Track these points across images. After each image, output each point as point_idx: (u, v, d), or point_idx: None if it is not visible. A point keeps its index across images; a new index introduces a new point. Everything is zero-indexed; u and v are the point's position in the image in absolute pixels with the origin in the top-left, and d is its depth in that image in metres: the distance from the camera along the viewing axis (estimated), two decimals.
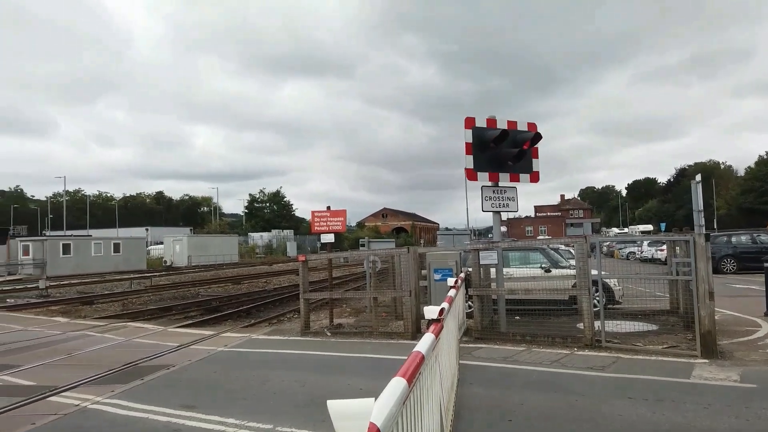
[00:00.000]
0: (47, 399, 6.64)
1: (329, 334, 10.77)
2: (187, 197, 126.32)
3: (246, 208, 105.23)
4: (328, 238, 13.71)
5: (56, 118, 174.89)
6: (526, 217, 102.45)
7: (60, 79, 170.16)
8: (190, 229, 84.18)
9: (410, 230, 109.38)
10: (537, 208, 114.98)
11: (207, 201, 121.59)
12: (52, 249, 39.99)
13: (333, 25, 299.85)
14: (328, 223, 13.53)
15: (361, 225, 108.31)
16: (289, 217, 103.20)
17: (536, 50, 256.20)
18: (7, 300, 20.55)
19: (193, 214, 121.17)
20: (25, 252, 39.85)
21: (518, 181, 10.74)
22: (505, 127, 10.44)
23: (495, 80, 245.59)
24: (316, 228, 13.59)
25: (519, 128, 10.75)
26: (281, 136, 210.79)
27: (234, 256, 59.97)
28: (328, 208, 13.85)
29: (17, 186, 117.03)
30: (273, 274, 34.52)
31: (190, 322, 13.95)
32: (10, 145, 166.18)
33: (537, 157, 10.98)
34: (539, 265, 12.28)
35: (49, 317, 15.27)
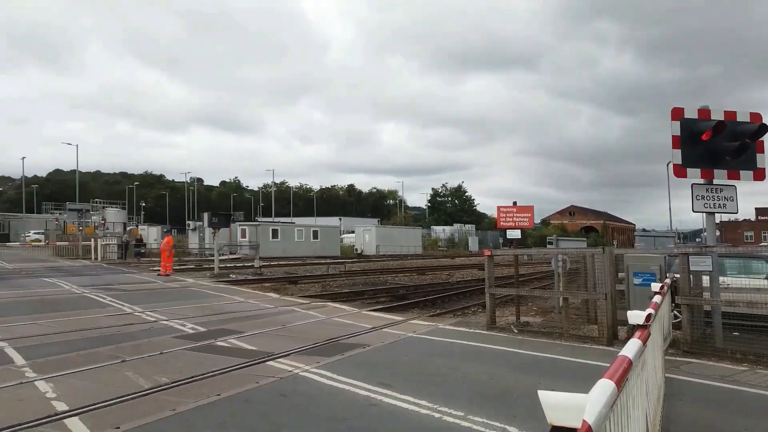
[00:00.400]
0: (266, 363, 7.65)
1: (516, 330, 10.63)
2: (375, 190, 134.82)
3: (429, 201, 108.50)
4: (515, 234, 13.50)
5: (265, 119, 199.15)
6: (745, 220, 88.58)
7: (268, 84, 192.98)
8: (378, 220, 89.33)
9: (601, 230, 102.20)
10: (758, 211, 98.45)
11: (392, 194, 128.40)
12: (264, 233, 45.53)
13: (517, 17, 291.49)
14: (515, 218, 13.33)
15: (545, 222, 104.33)
16: (470, 212, 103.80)
17: (754, 30, 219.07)
18: (230, 275, 24.03)
19: (379, 206, 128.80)
20: (243, 235, 45.86)
21: (738, 178, 9.38)
22: (722, 118, 9.21)
23: (703, 66, 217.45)
24: (501, 223, 13.48)
25: (739, 119, 9.41)
26: (463, 132, 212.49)
27: (418, 247, 62.15)
28: (515, 203, 13.61)
29: (235, 177, 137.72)
30: (455, 268, 35.03)
31: (381, 306, 14.86)
32: (230, 142, 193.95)
33: (763, 152, 9.49)
34: (765, 275, 10.63)
35: (264, 293, 17.48)
